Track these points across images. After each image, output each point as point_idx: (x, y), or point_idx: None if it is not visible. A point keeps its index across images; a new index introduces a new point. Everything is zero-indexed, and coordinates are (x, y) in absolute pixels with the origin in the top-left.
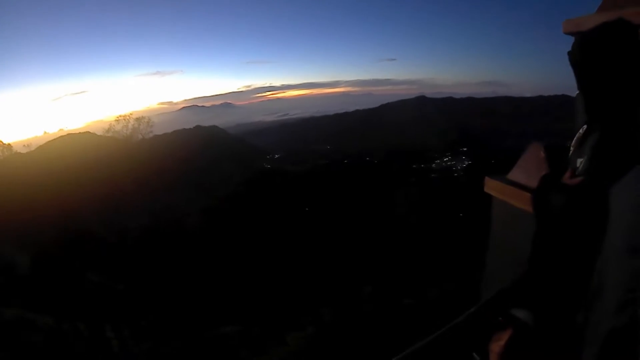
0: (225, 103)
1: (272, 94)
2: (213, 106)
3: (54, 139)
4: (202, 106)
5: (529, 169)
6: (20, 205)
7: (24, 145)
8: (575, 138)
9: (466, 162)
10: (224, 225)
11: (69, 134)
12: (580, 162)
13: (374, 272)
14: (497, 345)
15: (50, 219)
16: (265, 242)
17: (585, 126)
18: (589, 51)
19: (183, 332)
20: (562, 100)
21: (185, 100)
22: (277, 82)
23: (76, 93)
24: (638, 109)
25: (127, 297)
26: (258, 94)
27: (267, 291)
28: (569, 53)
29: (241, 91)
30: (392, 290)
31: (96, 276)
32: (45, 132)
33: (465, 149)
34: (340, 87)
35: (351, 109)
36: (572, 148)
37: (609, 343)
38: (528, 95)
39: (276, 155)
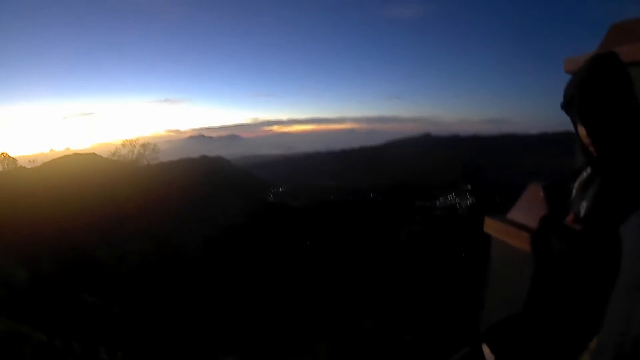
0: (231, 134)
1: (279, 128)
2: (219, 137)
3: (60, 157)
4: (209, 136)
5: (528, 209)
6: (21, 219)
7: (30, 161)
8: (578, 181)
9: (470, 201)
10: (225, 255)
11: (75, 154)
12: (583, 205)
13: (375, 308)
14: None
15: (49, 235)
16: (265, 274)
17: (588, 169)
18: (581, 89)
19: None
20: (565, 137)
21: (192, 129)
22: (284, 116)
23: (85, 114)
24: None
25: (122, 321)
26: (265, 127)
27: (266, 323)
28: (564, 93)
29: (248, 124)
30: (393, 326)
31: (92, 298)
32: (51, 150)
33: (469, 187)
34: (346, 124)
35: (357, 145)
36: (574, 190)
37: None
38: (532, 132)
39: (280, 189)
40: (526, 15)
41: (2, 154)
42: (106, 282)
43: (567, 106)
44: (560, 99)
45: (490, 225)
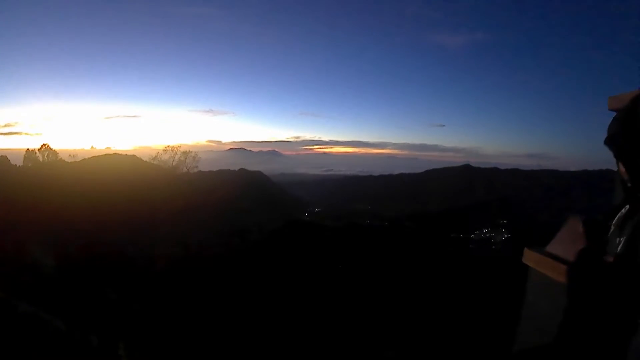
0: (272, 150)
1: (320, 148)
2: (260, 152)
3: (101, 156)
4: (250, 150)
5: (567, 242)
6: (55, 209)
7: (70, 155)
8: (616, 217)
9: (505, 236)
10: (252, 268)
11: (115, 154)
12: (619, 242)
13: (398, 338)
14: None
15: (81, 228)
16: (291, 293)
17: (627, 206)
18: (622, 126)
19: None
20: (606, 175)
21: (234, 142)
22: (325, 137)
23: (128, 116)
24: None
25: (143, 320)
26: (306, 146)
27: (282, 343)
28: (608, 128)
29: (289, 141)
30: (416, 357)
31: (116, 294)
32: (92, 147)
33: (505, 221)
34: (387, 149)
35: (396, 171)
36: (612, 227)
37: None
38: (573, 169)
39: (316, 209)
40: (572, 51)
41: (44, 145)
42: (132, 281)
43: (609, 142)
44: (602, 137)
45: (529, 257)
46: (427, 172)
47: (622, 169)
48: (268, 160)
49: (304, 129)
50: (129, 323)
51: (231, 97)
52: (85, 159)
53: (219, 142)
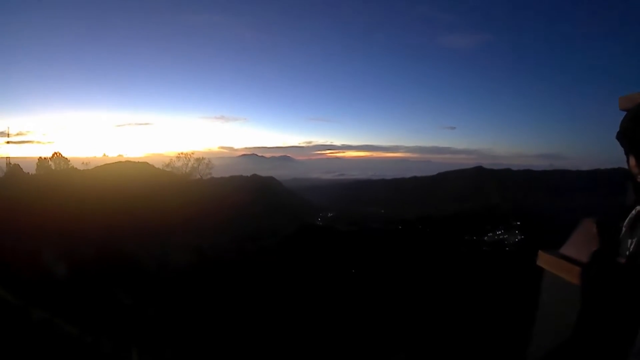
0: (284, 156)
1: (332, 153)
2: (272, 157)
3: (113, 163)
4: (262, 156)
5: (581, 244)
6: (67, 216)
7: (82, 163)
8: (627, 218)
9: (518, 237)
10: (266, 273)
11: (128, 161)
12: (631, 243)
13: (410, 340)
14: None
15: (94, 235)
16: (304, 297)
17: (638, 207)
18: (634, 121)
19: None
20: (617, 174)
21: (246, 147)
22: (337, 142)
23: (140, 124)
24: None
25: (157, 325)
26: (318, 151)
27: (294, 347)
28: (620, 123)
29: (301, 146)
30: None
31: (129, 299)
32: (104, 155)
33: (518, 223)
34: (399, 152)
35: (408, 175)
36: (624, 228)
37: None
38: (585, 168)
39: (329, 214)
40: (582, 51)
41: (56, 153)
42: (146, 287)
43: (621, 136)
44: (613, 136)
45: (544, 259)
46: (439, 174)
47: (633, 162)
48: (280, 165)
49: (316, 134)
50: (143, 328)
51: (242, 104)
52: (97, 166)
53: (231, 148)
